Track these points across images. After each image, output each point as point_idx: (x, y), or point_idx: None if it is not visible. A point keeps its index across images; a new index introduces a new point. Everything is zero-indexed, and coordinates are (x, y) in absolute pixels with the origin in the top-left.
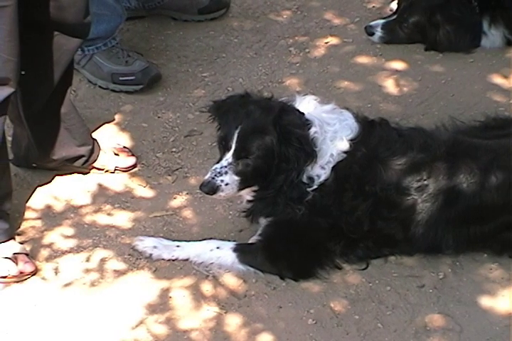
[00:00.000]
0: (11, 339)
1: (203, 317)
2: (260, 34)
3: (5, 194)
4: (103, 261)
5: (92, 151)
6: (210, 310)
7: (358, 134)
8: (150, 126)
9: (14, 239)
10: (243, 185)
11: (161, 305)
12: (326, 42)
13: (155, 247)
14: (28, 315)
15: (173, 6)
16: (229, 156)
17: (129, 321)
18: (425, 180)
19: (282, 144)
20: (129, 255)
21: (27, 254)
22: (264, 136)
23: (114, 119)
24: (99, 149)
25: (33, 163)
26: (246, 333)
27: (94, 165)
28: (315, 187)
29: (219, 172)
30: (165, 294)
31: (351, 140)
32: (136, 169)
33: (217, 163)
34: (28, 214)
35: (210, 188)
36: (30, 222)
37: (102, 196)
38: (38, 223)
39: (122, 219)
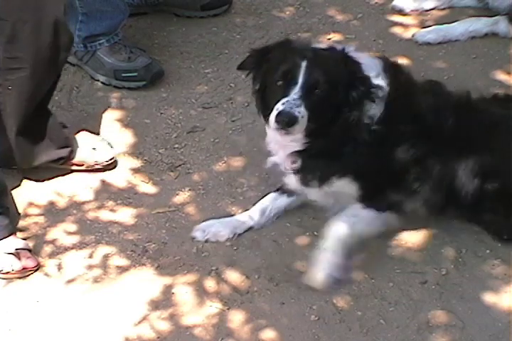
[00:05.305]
0: (14, 336)
1: (205, 314)
2: (263, 30)
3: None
4: (106, 257)
5: (71, 151)
6: (213, 306)
7: (385, 70)
8: (152, 122)
9: (15, 234)
10: (310, 122)
11: (164, 301)
12: (329, 39)
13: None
14: (31, 311)
15: (176, 2)
16: (297, 89)
17: (132, 317)
18: (448, 118)
19: (349, 85)
20: (132, 251)
21: (29, 250)
22: (332, 70)
23: (116, 116)
24: (77, 146)
25: (12, 166)
26: (249, 329)
27: (73, 161)
28: (375, 126)
29: (295, 104)
30: (168, 290)
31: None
32: (138, 165)
33: (283, 97)
34: (31, 210)
35: (289, 118)
36: (33, 218)
37: (105, 192)
38: (41, 219)
39: (125, 215)
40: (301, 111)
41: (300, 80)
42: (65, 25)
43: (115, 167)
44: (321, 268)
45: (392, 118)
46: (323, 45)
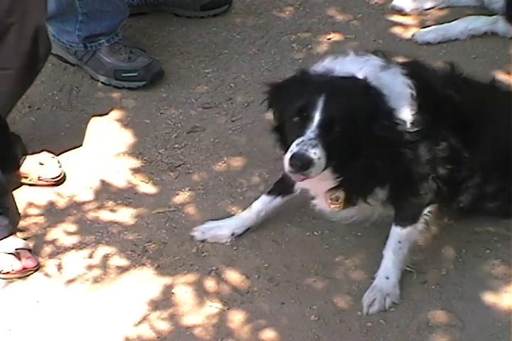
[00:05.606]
0: (14, 336)
1: (205, 314)
2: (263, 30)
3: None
4: (106, 257)
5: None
6: (213, 306)
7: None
8: (152, 122)
9: (15, 234)
10: (329, 161)
11: (164, 301)
12: (329, 39)
13: None
14: (31, 311)
15: (176, 2)
16: (313, 128)
17: (132, 317)
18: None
19: (371, 119)
20: (132, 251)
21: (29, 250)
22: (352, 104)
23: (116, 116)
24: (25, 158)
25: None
26: (249, 329)
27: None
28: (413, 129)
29: (310, 145)
30: (168, 290)
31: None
32: (138, 165)
33: (298, 136)
34: (31, 210)
35: (304, 161)
36: (33, 219)
37: (105, 192)
38: (41, 219)
39: (125, 215)
40: (317, 153)
41: (316, 117)
42: (46, 33)
43: (62, 182)
44: (384, 294)
45: (428, 113)
46: (343, 74)
